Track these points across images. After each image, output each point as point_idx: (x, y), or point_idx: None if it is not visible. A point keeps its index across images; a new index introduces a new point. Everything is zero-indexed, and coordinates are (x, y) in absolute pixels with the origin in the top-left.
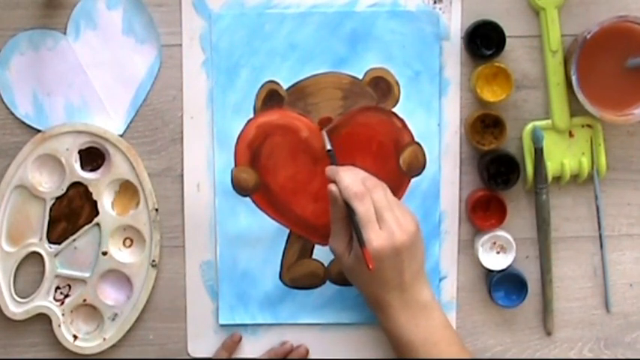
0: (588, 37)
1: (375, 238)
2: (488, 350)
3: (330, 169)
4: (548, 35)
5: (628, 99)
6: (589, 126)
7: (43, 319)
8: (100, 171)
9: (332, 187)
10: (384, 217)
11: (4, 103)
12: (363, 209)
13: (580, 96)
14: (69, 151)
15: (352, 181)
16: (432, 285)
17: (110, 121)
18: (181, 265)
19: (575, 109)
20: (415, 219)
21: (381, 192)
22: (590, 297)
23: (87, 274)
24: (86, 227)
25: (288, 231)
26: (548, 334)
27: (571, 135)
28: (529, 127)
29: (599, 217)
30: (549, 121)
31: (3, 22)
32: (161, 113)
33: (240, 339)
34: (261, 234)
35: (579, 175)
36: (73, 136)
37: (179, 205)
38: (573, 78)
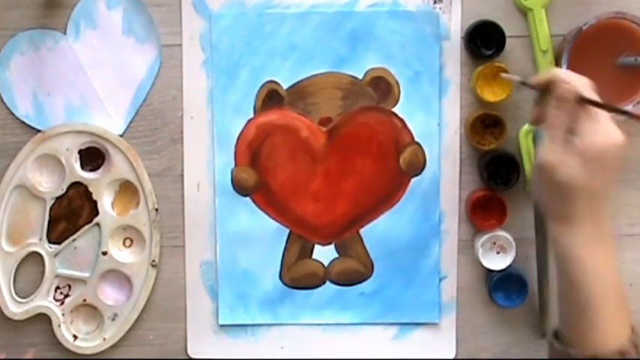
0: (584, 28)
1: (612, 130)
2: (488, 350)
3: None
4: (537, 35)
5: (618, 97)
6: None
7: (43, 319)
8: (100, 171)
9: (562, 88)
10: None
11: (4, 103)
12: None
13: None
14: (69, 151)
15: (574, 75)
16: (432, 285)
17: (110, 121)
18: (181, 265)
19: None
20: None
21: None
22: None
23: (87, 274)
24: (86, 227)
25: (288, 231)
26: (544, 335)
27: None
28: (525, 127)
29: None
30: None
31: (3, 22)
32: (161, 113)
33: None
34: (261, 234)
35: None
36: (73, 136)
37: (179, 205)
38: (563, 67)
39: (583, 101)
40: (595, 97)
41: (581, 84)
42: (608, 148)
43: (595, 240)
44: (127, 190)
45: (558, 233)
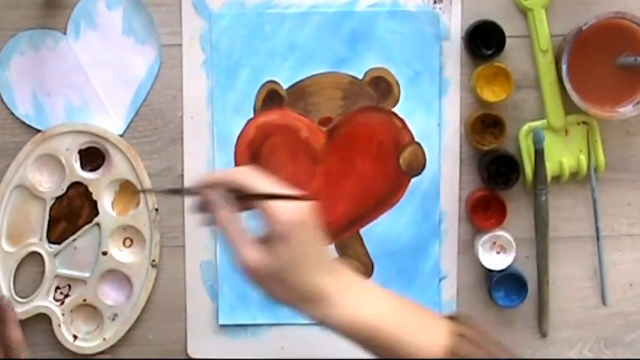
0: (584, 28)
1: (283, 211)
2: None
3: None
4: (537, 35)
5: (617, 96)
6: (585, 123)
7: (42, 319)
8: (100, 171)
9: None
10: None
11: (4, 103)
12: (265, 186)
13: (568, 86)
14: (69, 151)
15: (230, 172)
16: (432, 285)
17: (110, 121)
18: (181, 265)
19: (570, 107)
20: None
21: (259, 177)
22: (590, 297)
23: (87, 274)
24: (86, 227)
25: None
26: (544, 335)
27: (567, 133)
28: (525, 127)
29: (596, 212)
30: (544, 121)
31: (3, 22)
32: (161, 113)
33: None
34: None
35: (578, 172)
36: (73, 136)
37: (179, 205)
38: (564, 67)
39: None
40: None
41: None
42: (291, 226)
43: (358, 298)
44: (127, 190)
45: (323, 317)
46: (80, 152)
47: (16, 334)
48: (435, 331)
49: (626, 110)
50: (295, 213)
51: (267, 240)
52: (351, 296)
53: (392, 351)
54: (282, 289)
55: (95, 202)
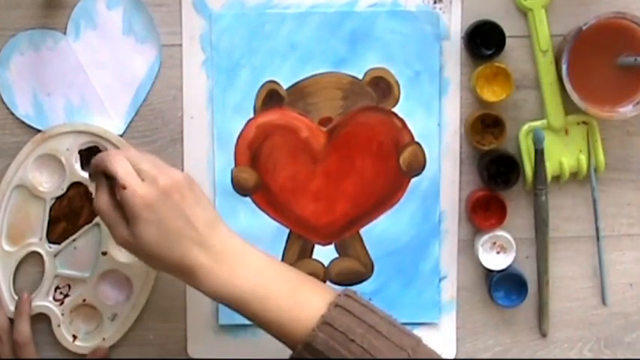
0: (584, 28)
1: (139, 186)
2: (488, 350)
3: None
4: (537, 35)
5: (617, 96)
6: (585, 123)
7: (42, 318)
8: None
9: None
10: (141, 167)
11: (4, 103)
12: (121, 169)
13: (568, 86)
14: (69, 151)
15: (100, 155)
16: (432, 285)
17: (110, 121)
18: None
19: (570, 107)
20: (182, 172)
21: (132, 150)
22: (590, 297)
23: (87, 274)
24: (86, 227)
25: (288, 231)
26: (544, 335)
27: (567, 133)
28: (525, 127)
29: (596, 212)
30: (544, 121)
31: (3, 22)
32: (161, 113)
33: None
34: (261, 234)
35: (578, 172)
36: (73, 136)
37: None
38: (563, 67)
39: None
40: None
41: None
42: (141, 206)
43: (225, 271)
44: None
45: (194, 286)
46: (80, 152)
47: (26, 328)
48: (313, 302)
49: (626, 110)
50: (145, 193)
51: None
52: (223, 267)
53: (267, 319)
54: (153, 262)
55: None
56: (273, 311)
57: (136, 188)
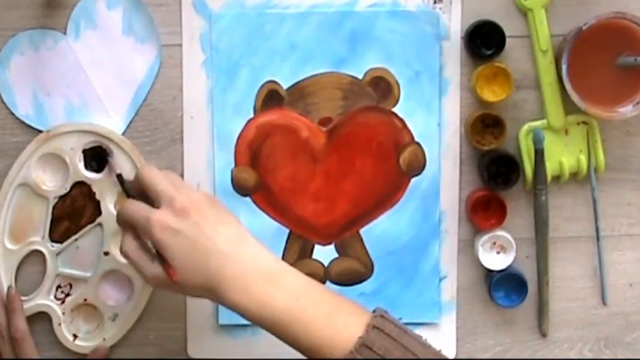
0: (584, 28)
1: (152, 213)
2: (488, 350)
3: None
4: (537, 35)
5: (617, 96)
6: (584, 123)
7: (43, 317)
8: (103, 171)
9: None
10: (158, 189)
11: (4, 103)
12: (130, 211)
13: (568, 86)
14: (73, 151)
15: (121, 209)
16: (432, 285)
17: (110, 121)
18: None
19: (570, 107)
20: (202, 191)
21: (153, 171)
22: (590, 297)
23: (88, 274)
24: (89, 227)
25: (288, 231)
26: (544, 335)
27: (567, 133)
28: (525, 128)
29: (596, 212)
30: (544, 121)
31: (3, 22)
32: (161, 113)
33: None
34: (261, 234)
35: (578, 172)
36: (77, 136)
37: None
38: (563, 67)
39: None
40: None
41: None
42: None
43: (263, 290)
44: None
45: (231, 304)
46: (84, 152)
47: (21, 323)
48: (351, 324)
49: (626, 110)
50: (161, 217)
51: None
52: (256, 286)
53: (304, 342)
54: (185, 289)
55: (98, 202)
56: (311, 334)
57: (149, 215)
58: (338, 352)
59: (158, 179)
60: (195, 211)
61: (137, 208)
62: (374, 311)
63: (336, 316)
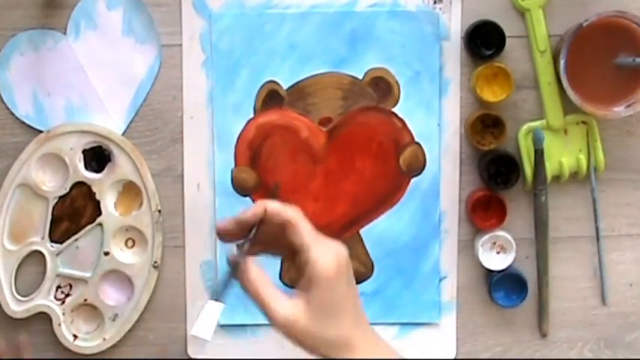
0: (585, 24)
1: (322, 262)
2: (488, 350)
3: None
4: (535, 36)
5: (614, 97)
6: (584, 122)
7: (43, 318)
8: (103, 171)
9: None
10: (315, 244)
11: (4, 103)
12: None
13: (565, 82)
14: (73, 151)
15: (277, 206)
16: (432, 285)
17: (110, 121)
18: (181, 265)
19: (569, 107)
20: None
21: (304, 221)
22: (590, 297)
23: (88, 274)
24: (89, 227)
25: None
26: (544, 335)
27: (566, 133)
28: (524, 128)
29: (596, 212)
30: (544, 121)
31: (3, 22)
32: (161, 113)
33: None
34: None
35: (578, 172)
36: (77, 136)
37: (179, 205)
38: (561, 62)
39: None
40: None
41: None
42: (343, 262)
43: (367, 349)
44: (130, 191)
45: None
46: (84, 152)
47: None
48: None
49: (620, 110)
50: (333, 263)
51: (302, 289)
52: (370, 348)
53: None
54: (307, 339)
55: (98, 202)
56: None
57: (318, 257)
58: None
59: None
60: (346, 267)
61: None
62: None
63: None
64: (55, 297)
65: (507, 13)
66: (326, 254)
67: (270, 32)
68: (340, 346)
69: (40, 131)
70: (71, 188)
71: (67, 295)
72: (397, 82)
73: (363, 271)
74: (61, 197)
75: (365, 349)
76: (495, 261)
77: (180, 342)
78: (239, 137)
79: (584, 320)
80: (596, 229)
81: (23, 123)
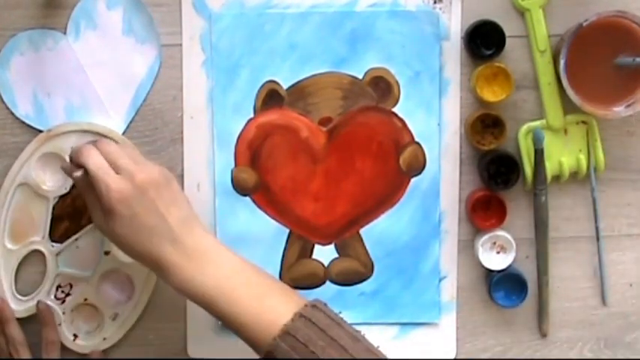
0: (585, 24)
1: (113, 182)
2: (488, 350)
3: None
4: (535, 36)
5: (614, 96)
6: (584, 122)
7: None
8: None
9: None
10: (119, 163)
11: (4, 103)
12: (92, 162)
13: (565, 82)
14: None
15: (76, 145)
16: (432, 285)
17: (110, 121)
18: None
19: (569, 107)
20: (160, 168)
21: (112, 145)
22: (590, 297)
23: (88, 274)
24: (89, 227)
25: (288, 231)
26: (544, 335)
27: (566, 133)
28: (524, 128)
29: (595, 212)
30: (544, 121)
31: (3, 22)
32: (161, 113)
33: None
34: (261, 234)
35: (578, 172)
36: (77, 135)
37: None
38: (561, 62)
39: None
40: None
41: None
42: (117, 200)
43: (194, 269)
44: None
45: (164, 280)
46: None
47: (16, 331)
48: (280, 309)
49: (620, 110)
50: (120, 188)
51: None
52: (191, 264)
53: (233, 320)
54: (125, 251)
55: None
56: (240, 314)
57: (110, 183)
58: (264, 337)
59: (117, 153)
60: (153, 189)
61: (99, 163)
62: (312, 301)
63: (267, 298)
64: (55, 296)
65: (507, 13)
66: (117, 181)
67: (270, 32)
68: (152, 265)
69: (40, 131)
70: (71, 188)
71: (67, 295)
72: (397, 82)
73: (363, 271)
74: (61, 197)
75: (187, 268)
76: (495, 261)
77: (181, 342)
78: (239, 137)
79: (584, 320)
80: (596, 229)
81: (23, 123)
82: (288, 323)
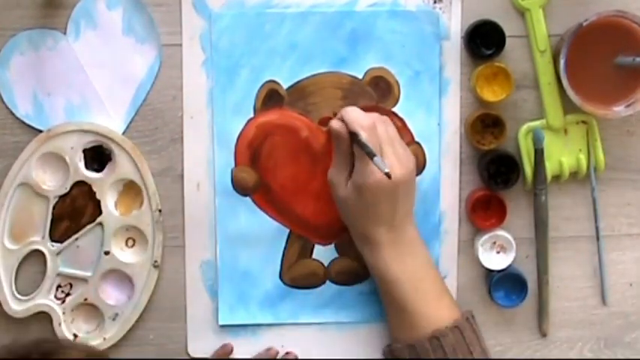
0: (585, 24)
1: (376, 170)
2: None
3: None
4: (535, 35)
5: (614, 96)
6: (584, 122)
7: (43, 317)
8: (104, 170)
9: (334, 123)
10: (385, 150)
11: (4, 103)
12: (369, 138)
13: (565, 81)
14: (73, 150)
15: (359, 114)
16: None
17: (110, 121)
18: (181, 265)
19: (569, 107)
20: (413, 158)
21: (383, 126)
22: (590, 297)
23: (88, 274)
24: (89, 226)
25: (288, 231)
26: (544, 335)
27: (566, 133)
28: (524, 128)
29: (595, 212)
30: (544, 121)
31: (3, 22)
32: (161, 113)
33: (232, 350)
34: (261, 234)
35: (578, 172)
36: (77, 135)
37: (179, 205)
38: (561, 62)
39: (353, 141)
40: (370, 137)
41: (361, 124)
42: (371, 186)
43: (396, 254)
44: (131, 191)
45: (364, 254)
46: (85, 151)
47: None
48: (453, 307)
49: (620, 110)
50: (378, 180)
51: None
52: (396, 249)
53: (404, 303)
54: (346, 219)
55: (99, 202)
56: (421, 302)
57: (373, 169)
58: (432, 326)
59: (384, 140)
60: (403, 185)
61: (371, 145)
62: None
63: (444, 297)
64: (56, 296)
65: (507, 13)
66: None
67: (270, 32)
68: (365, 239)
69: (40, 131)
70: (71, 187)
71: (68, 295)
72: (397, 82)
73: (363, 271)
74: (61, 196)
75: (390, 253)
76: (495, 261)
77: (181, 341)
78: (239, 137)
79: (584, 320)
80: (596, 228)
81: (23, 123)
82: (459, 318)
